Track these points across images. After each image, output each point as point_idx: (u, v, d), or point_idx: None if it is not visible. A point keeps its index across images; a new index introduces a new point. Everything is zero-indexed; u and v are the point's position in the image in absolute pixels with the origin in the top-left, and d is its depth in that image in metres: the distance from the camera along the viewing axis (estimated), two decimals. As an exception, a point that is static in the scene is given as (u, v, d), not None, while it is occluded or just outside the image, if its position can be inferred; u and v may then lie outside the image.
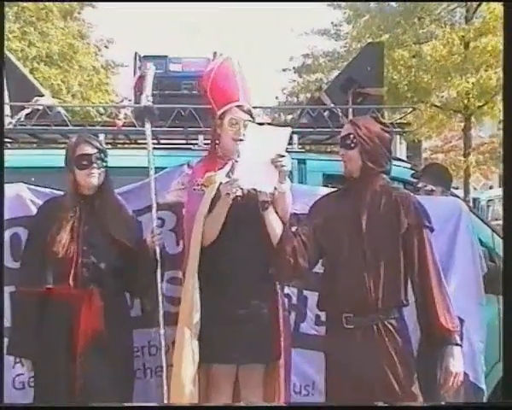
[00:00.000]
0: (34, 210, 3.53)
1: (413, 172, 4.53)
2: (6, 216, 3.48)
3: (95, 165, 3.32)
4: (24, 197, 3.59)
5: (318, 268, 3.26)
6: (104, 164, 3.37)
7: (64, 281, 3.25)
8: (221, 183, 3.28)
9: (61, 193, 3.48)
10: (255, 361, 3.35)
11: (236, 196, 3.23)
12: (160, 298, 3.46)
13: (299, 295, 3.82)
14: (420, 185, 4.20)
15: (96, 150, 3.35)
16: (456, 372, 2.98)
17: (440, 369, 3.03)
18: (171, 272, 3.72)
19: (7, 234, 3.53)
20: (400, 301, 3.05)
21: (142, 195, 3.63)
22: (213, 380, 3.37)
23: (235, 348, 3.28)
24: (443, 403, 3.08)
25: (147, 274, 3.42)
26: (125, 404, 3.27)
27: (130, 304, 3.65)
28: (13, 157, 4.03)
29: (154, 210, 3.50)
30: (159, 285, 3.44)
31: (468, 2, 14.92)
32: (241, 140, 3.28)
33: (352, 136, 3.10)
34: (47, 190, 3.63)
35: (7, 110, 4.54)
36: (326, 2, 17.84)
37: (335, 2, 17.76)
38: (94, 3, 18.14)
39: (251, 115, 3.55)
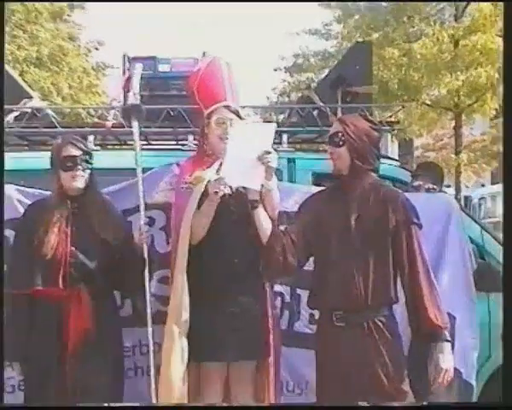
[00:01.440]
0: (22, 211, 3.51)
1: (410, 171, 4.55)
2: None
3: (79, 167, 3.30)
4: (12, 198, 3.57)
5: (311, 266, 3.24)
6: (89, 166, 3.35)
7: (53, 282, 3.24)
8: (209, 181, 3.28)
9: (48, 194, 3.46)
10: (244, 358, 3.35)
11: (224, 194, 3.24)
12: (149, 297, 3.44)
13: (292, 294, 3.81)
14: (416, 184, 4.19)
15: (80, 152, 3.33)
16: (446, 369, 2.98)
17: (430, 365, 3.02)
18: (162, 271, 3.70)
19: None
20: (390, 298, 3.04)
21: (131, 194, 3.62)
22: (203, 378, 3.37)
23: (225, 345, 3.28)
24: (444, 402, 3.08)
25: (136, 273, 3.41)
26: (117, 404, 3.27)
27: (120, 303, 3.65)
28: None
29: (141, 208, 3.48)
30: (147, 284, 3.42)
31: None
32: (227, 139, 3.28)
33: (340, 134, 3.10)
34: (36, 191, 3.61)
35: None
36: (317, 2, 17.88)
37: (325, 2, 17.78)
38: (83, 4, 18.08)
39: (238, 115, 3.55)
